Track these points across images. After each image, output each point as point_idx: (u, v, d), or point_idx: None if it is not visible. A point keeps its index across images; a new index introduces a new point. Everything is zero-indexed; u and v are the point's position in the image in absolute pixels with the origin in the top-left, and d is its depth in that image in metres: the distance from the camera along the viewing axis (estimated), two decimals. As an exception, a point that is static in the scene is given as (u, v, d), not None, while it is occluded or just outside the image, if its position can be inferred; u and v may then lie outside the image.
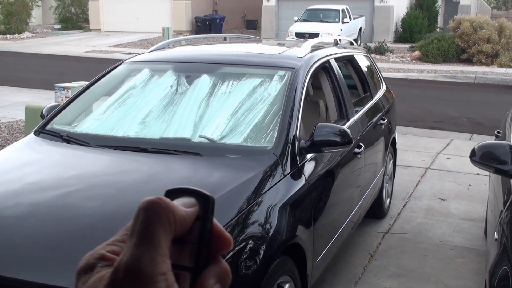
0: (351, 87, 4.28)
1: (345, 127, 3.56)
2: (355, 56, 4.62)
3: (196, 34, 27.68)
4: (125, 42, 25.36)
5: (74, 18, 32.84)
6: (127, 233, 0.48)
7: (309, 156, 3.02)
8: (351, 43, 5.19)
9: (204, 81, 3.37)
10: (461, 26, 19.44)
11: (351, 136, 2.98)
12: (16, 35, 27.59)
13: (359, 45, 22.76)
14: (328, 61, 3.81)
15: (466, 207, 5.50)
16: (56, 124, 3.35)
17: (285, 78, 3.29)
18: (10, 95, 12.09)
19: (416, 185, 6.22)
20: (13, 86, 13.29)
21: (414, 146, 8.07)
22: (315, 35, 19.07)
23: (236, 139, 2.92)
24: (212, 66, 3.50)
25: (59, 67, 16.99)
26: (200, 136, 2.96)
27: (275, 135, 2.90)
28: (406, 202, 5.62)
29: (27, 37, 27.56)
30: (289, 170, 2.79)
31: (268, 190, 2.59)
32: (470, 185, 6.17)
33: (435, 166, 7.01)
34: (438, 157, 7.49)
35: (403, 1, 26.37)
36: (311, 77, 3.42)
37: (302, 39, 17.09)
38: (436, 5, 26.70)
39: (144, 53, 4.01)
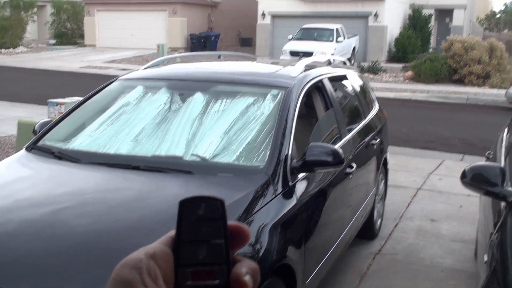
0: (344, 106, 4.31)
1: (337, 147, 3.59)
2: (348, 75, 4.65)
3: (191, 51, 27.80)
4: (119, 58, 25.41)
5: (70, 34, 32.94)
6: None
7: (300, 175, 3.02)
8: (344, 63, 5.24)
9: (198, 99, 3.39)
10: (453, 47, 19.66)
11: (343, 156, 2.99)
12: (11, 49, 27.61)
13: (353, 64, 22.93)
14: (321, 81, 3.84)
15: (457, 228, 5.51)
16: (48, 141, 3.34)
17: (278, 97, 3.31)
18: (3, 110, 12.06)
19: (408, 205, 6.23)
20: (6, 100, 13.26)
21: (406, 166, 8.10)
22: (309, 53, 19.21)
23: (228, 158, 2.92)
24: (205, 84, 3.51)
25: (53, 82, 16.99)
26: (192, 155, 2.96)
27: (267, 154, 2.91)
28: (397, 223, 5.62)
29: (21, 51, 27.58)
30: (281, 190, 2.80)
31: (259, 209, 2.59)
32: (461, 206, 6.19)
33: (426, 187, 7.03)
34: (430, 177, 7.52)
35: (396, 21, 26.66)
36: (304, 96, 3.44)
37: (296, 58, 17.19)
38: (429, 25, 27.02)
39: (138, 69, 4.03)
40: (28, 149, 3.29)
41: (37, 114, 10.25)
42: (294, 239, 2.80)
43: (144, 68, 4.02)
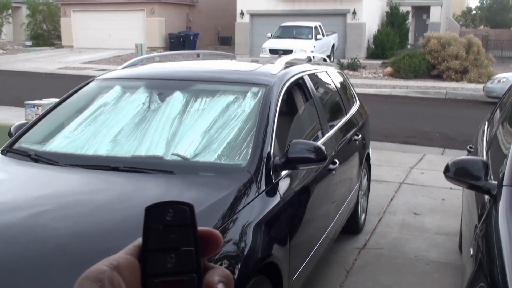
0: (325, 103, 4.29)
1: (319, 143, 3.56)
2: (328, 72, 4.63)
3: (170, 50, 27.64)
4: (97, 58, 25.16)
5: (46, 35, 32.51)
6: None
7: (283, 173, 2.99)
8: (324, 60, 5.22)
9: (177, 98, 3.33)
10: (430, 43, 19.83)
11: (325, 152, 2.96)
12: (-14, 51, 27.17)
13: (332, 61, 23.00)
14: (302, 78, 3.81)
15: (440, 221, 5.53)
16: (24, 143, 3.25)
17: (259, 95, 3.27)
18: (-21, 112, 11.85)
19: (391, 200, 6.24)
20: (-18, 103, 13.04)
21: (388, 161, 8.12)
22: (289, 51, 19.20)
23: (209, 157, 2.87)
24: (185, 83, 3.46)
25: (30, 84, 16.73)
26: (173, 154, 2.91)
27: (249, 152, 2.87)
28: (381, 217, 5.62)
29: (-3, 54, 27.15)
30: (264, 188, 2.76)
31: (243, 208, 2.54)
32: (443, 199, 6.22)
33: (409, 181, 7.05)
34: (412, 171, 7.55)
35: (374, 18, 26.81)
36: (285, 93, 3.40)
37: (276, 56, 17.17)
38: (407, 22, 27.22)
39: (116, 69, 3.95)
40: (4, 152, 3.19)
41: (14, 116, 10.06)
42: (278, 236, 2.76)
43: (122, 68, 3.95)
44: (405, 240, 4.99)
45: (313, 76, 4.12)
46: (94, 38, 29.91)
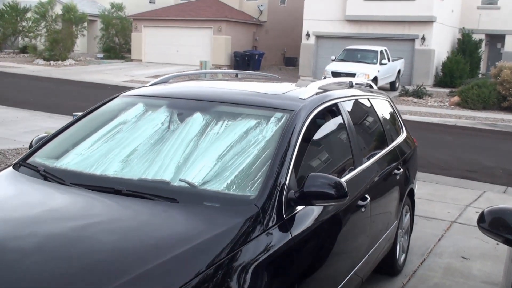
0: (362, 133, 3.98)
1: (347, 177, 3.27)
2: (370, 99, 4.32)
3: (234, 69, 27.88)
4: (163, 73, 25.65)
5: (117, 48, 33.61)
6: None
7: (299, 208, 2.72)
8: (370, 86, 4.90)
9: (196, 119, 3.14)
10: (502, 73, 18.88)
11: (346, 189, 2.67)
12: (60, 62, 28.32)
13: (397, 88, 22.37)
14: (335, 104, 3.54)
15: (491, 268, 5.04)
16: (38, 158, 3.16)
17: (282, 120, 3.03)
18: (40, 120, 12.23)
19: (438, 240, 5.78)
20: (46, 111, 13.48)
21: (442, 196, 7.62)
22: (352, 75, 18.84)
23: (218, 186, 2.65)
24: (206, 104, 3.27)
25: (93, 95, 17.19)
26: (180, 180, 2.71)
27: (261, 183, 2.62)
28: (424, 259, 5.20)
29: (69, 64, 28.26)
30: (272, 224, 2.50)
31: (243, 246, 2.29)
32: (497, 244, 5.69)
33: (461, 220, 6.55)
34: (467, 210, 7.03)
35: (444, 45, 25.96)
36: (312, 120, 3.14)
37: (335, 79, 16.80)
38: (479, 50, 26.18)
39: (143, 86, 3.83)
40: (16, 166, 3.11)
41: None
42: (285, 281, 2.48)
43: (150, 85, 3.82)
44: (447, 287, 4.56)
45: (350, 103, 3.84)
46: (162, 53, 30.63)
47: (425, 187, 7.88)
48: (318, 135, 3.27)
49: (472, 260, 5.24)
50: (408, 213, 4.94)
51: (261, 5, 31.51)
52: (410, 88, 21.40)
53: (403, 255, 4.87)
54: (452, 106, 19.30)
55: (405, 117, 15.94)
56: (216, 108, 3.24)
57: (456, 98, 19.57)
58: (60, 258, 2.10)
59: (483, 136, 14.10)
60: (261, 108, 3.17)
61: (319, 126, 3.31)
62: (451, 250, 5.49)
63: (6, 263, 2.08)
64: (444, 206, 7.13)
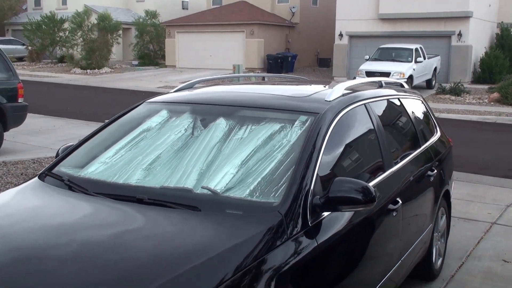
0: (392, 135, 3.85)
1: (375, 181, 3.16)
2: (401, 99, 4.18)
3: (267, 71, 27.84)
4: (196, 78, 25.81)
5: (152, 55, 34.00)
6: None
7: (325, 214, 2.63)
8: (402, 85, 4.76)
9: (220, 125, 3.09)
10: (544, 67, 18.26)
11: (373, 194, 2.57)
12: (96, 70, 28.83)
13: (434, 86, 21.90)
14: (363, 105, 3.43)
15: (534, 272, 4.83)
16: (64, 167, 3.16)
17: (307, 124, 2.95)
18: (76, 128, 12.42)
19: (478, 242, 5.58)
20: (83, 119, 13.70)
21: (482, 196, 7.37)
22: (386, 74, 18.54)
23: (241, 192, 2.59)
24: (230, 109, 3.21)
25: (128, 102, 17.35)
26: (202, 187, 2.65)
27: (284, 189, 2.55)
28: (463, 262, 5.01)
29: (106, 72, 28.73)
30: (296, 232, 2.42)
31: (265, 255, 2.22)
32: (541, 246, 5.46)
33: (502, 221, 6.31)
34: (508, 210, 6.77)
35: (482, 40, 25.29)
36: (338, 123, 3.05)
37: (371, 79, 16.56)
38: (519, 45, 25.40)
39: (168, 93, 3.80)
40: (42, 176, 3.11)
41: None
42: (311, 289, 2.40)
43: (174, 91, 3.79)
44: (488, 292, 4.38)
45: (380, 104, 3.72)
46: (195, 58, 30.83)
47: (464, 187, 7.64)
48: (345, 138, 3.17)
49: (514, 263, 5.03)
50: (444, 216, 4.77)
51: (293, 7, 31.38)
52: (447, 86, 20.91)
53: (440, 259, 4.71)
54: (492, 103, 18.77)
55: (442, 115, 15.57)
56: (239, 112, 3.18)
57: (495, 95, 19.03)
58: (96, 266, 2.09)
59: (524, 133, 13.65)
60: (285, 111, 3.09)
61: (346, 129, 3.21)
62: (491, 253, 5.28)
63: (45, 272, 2.07)
64: (484, 206, 6.89)
